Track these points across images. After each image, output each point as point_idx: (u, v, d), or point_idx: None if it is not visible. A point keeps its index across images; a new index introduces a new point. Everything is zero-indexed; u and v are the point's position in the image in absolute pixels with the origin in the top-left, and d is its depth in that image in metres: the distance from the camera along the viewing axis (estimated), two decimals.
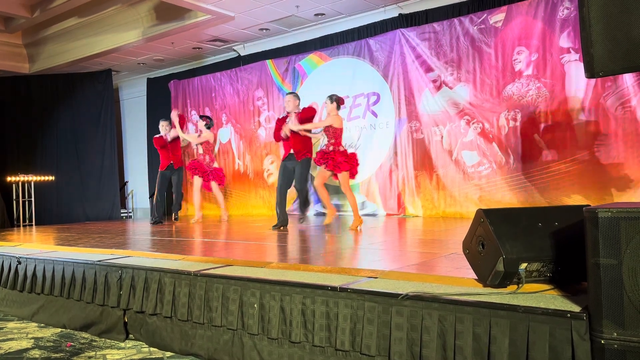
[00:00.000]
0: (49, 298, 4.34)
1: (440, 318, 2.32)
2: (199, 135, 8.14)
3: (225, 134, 10.18)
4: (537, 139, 6.67)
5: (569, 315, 2.03)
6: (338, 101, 5.90)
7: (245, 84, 9.82)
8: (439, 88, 7.47)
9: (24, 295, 4.60)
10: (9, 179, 9.40)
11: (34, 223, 9.39)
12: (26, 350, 3.61)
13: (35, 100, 10.57)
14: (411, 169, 7.76)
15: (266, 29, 8.97)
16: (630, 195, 5.95)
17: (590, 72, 2.06)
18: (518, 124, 6.82)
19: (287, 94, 6.61)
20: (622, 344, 1.89)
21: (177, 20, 8.20)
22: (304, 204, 6.50)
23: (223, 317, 3.13)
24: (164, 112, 10.11)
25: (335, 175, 5.83)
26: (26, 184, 9.54)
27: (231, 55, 10.25)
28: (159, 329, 3.50)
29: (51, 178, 9.84)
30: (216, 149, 9.77)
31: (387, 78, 8.02)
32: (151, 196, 10.14)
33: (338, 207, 8.52)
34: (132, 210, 12.06)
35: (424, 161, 7.64)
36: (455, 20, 7.29)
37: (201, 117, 8.25)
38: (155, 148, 8.42)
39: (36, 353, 3.52)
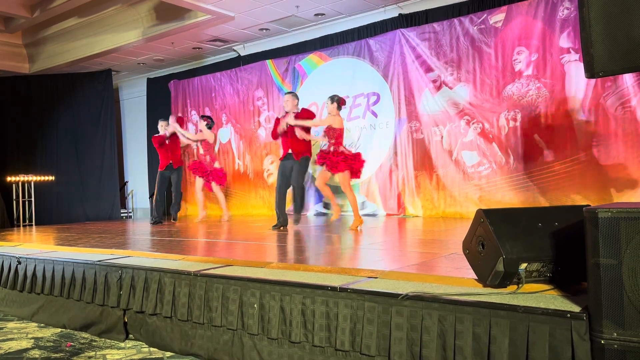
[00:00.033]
0: (49, 298, 4.34)
1: (440, 318, 2.32)
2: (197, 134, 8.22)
3: (225, 134, 10.18)
4: (537, 139, 6.68)
5: (569, 315, 2.03)
6: (339, 102, 5.89)
7: (245, 84, 9.82)
8: (439, 88, 7.47)
9: (24, 295, 4.60)
10: (9, 179, 9.40)
11: (34, 223, 9.39)
12: (26, 350, 3.61)
13: (35, 100, 10.57)
14: (411, 169, 7.76)
15: (266, 29, 8.97)
16: (630, 196, 5.95)
17: (590, 72, 2.06)
18: (518, 124, 6.82)
19: (285, 93, 6.59)
20: (622, 344, 1.89)
21: (177, 20, 8.20)
22: (299, 204, 6.32)
23: (223, 317, 3.13)
24: (164, 112, 10.12)
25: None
26: (26, 184, 9.55)
27: (231, 55, 10.25)
28: (159, 329, 3.50)
29: (51, 178, 9.85)
30: (216, 149, 9.76)
31: (387, 78, 8.02)
32: (151, 196, 10.14)
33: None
34: (132, 210, 12.06)
35: (424, 161, 7.64)
36: (455, 21, 7.29)
37: (202, 117, 8.29)
38: (155, 147, 8.42)
39: (36, 353, 3.52)
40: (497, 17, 6.98)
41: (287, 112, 6.17)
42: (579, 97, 6.35)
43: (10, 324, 4.39)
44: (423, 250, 4.02)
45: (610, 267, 1.92)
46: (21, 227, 8.90)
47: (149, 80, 11.52)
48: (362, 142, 8.24)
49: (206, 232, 6.42)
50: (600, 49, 2.01)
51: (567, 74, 6.45)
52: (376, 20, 8.22)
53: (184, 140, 8.42)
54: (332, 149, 5.81)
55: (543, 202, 6.54)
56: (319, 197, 8.88)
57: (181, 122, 8.36)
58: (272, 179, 9.30)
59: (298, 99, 6.24)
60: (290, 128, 6.14)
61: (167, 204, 8.74)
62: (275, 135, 6.41)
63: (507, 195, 6.88)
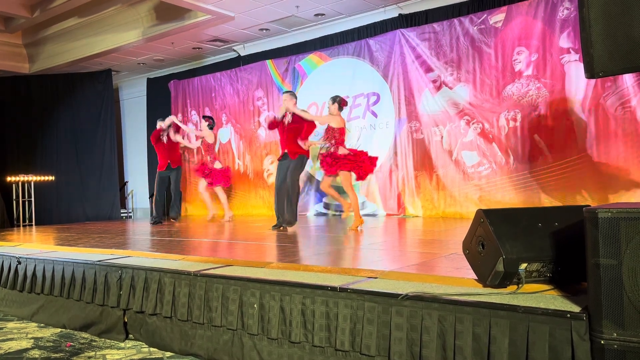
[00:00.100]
0: (49, 298, 4.34)
1: (440, 318, 2.32)
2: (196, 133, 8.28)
3: (225, 134, 10.18)
4: (537, 139, 6.68)
5: (568, 315, 2.03)
6: (340, 102, 5.89)
7: (245, 84, 9.82)
8: (438, 88, 7.47)
9: (23, 295, 4.60)
10: (9, 179, 9.40)
11: (33, 223, 9.39)
12: (26, 350, 3.61)
13: (35, 100, 10.57)
14: (411, 169, 7.76)
15: (266, 29, 8.97)
16: (630, 196, 5.95)
17: (590, 73, 2.06)
18: (518, 124, 6.82)
19: (283, 92, 6.56)
20: (622, 344, 1.89)
21: (177, 20, 8.20)
22: (288, 203, 6.02)
23: (223, 317, 3.13)
24: (164, 112, 10.13)
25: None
26: (26, 184, 9.54)
27: (231, 55, 10.25)
28: (159, 329, 3.50)
29: (51, 178, 9.84)
30: (216, 149, 9.77)
31: (387, 78, 8.02)
32: (151, 196, 10.14)
33: (338, 207, 8.53)
34: (132, 210, 12.06)
35: (424, 161, 7.64)
36: (455, 21, 7.29)
37: (204, 117, 8.33)
38: (153, 146, 8.43)
39: (36, 353, 3.52)
40: (497, 17, 6.98)
41: (286, 112, 6.15)
42: (579, 97, 6.35)
43: (10, 324, 4.39)
44: (423, 251, 4.02)
45: (610, 267, 1.92)
46: (21, 227, 8.90)
47: (149, 80, 11.52)
48: (362, 142, 8.24)
49: (206, 232, 6.42)
50: (600, 49, 2.01)
51: (567, 74, 6.45)
52: (376, 21, 8.22)
53: (181, 141, 8.43)
54: (332, 149, 5.81)
55: (543, 202, 6.54)
56: (319, 197, 8.88)
57: (176, 128, 8.39)
58: (272, 179, 9.29)
59: (296, 98, 6.22)
60: (288, 128, 6.12)
61: (167, 204, 8.74)
62: (272, 125, 6.30)
63: (507, 195, 6.88)
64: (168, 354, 3.43)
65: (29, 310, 4.49)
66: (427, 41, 7.55)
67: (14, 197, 9.50)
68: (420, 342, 2.36)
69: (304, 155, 6.09)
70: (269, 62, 9.45)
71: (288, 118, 6.11)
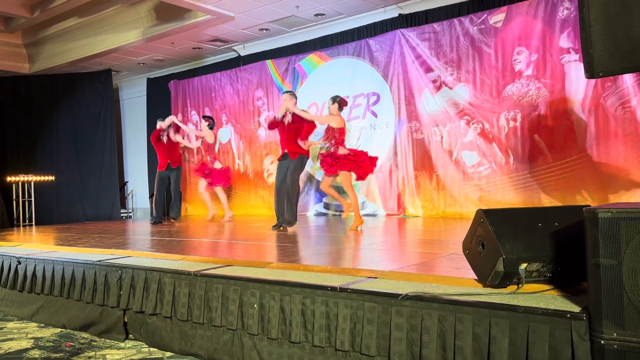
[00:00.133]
0: (49, 298, 4.34)
1: (440, 318, 2.32)
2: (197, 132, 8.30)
3: (225, 134, 10.18)
4: (537, 139, 6.68)
5: (568, 315, 2.03)
6: (340, 102, 5.90)
7: (245, 84, 9.82)
8: (438, 88, 7.47)
9: (23, 295, 4.60)
10: (9, 179, 9.40)
11: (33, 223, 9.39)
12: (26, 350, 3.61)
13: (35, 100, 10.57)
14: (411, 169, 7.76)
15: (266, 29, 8.97)
16: (630, 196, 5.95)
17: (590, 73, 2.06)
18: (518, 124, 6.82)
19: (283, 92, 6.56)
20: (622, 344, 1.89)
21: (177, 20, 8.20)
22: (288, 204, 6.01)
23: (223, 317, 3.13)
24: (164, 112, 10.13)
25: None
26: (26, 184, 9.54)
27: (231, 55, 10.25)
28: (159, 329, 3.50)
29: (51, 178, 9.84)
30: (216, 149, 9.77)
31: (387, 78, 8.02)
32: (151, 196, 10.14)
33: (338, 207, 8.53)
34: (132, 210, 12.06)
35: (423, 161, 7.64)
36: (455, 21, 7.29)
37: (204, 117, 8.33)
38: (153, 146, 8.43)
39: (36, 353, 3.52)
40: (497, 17, 6.98)
41: (286, 113, 6.15)
42: (579, 97, 6.35)
43: (10, 324, 4.39)
44: (423, 251, 4.02)
45: (610, 267, 1.92)
46: (21, 227, 8.90)
47: (149, 80, 11.52)
48: (362, 142, 8.24)
49: (206, 232, 6.42)
50: (600, 49, 2.01)
51: (567, 74, 6.45)
52: (376, 21, 8.22)
53: (181, 141, 8.44)
54: (331, 150, 5.82)
55: (543, 202, 6.54)
56: (319, 197, 8.88)
57: (176, 128, 8.40)
58: (272, 179, 9.29)
59: (296, 98, 6.22)
60: (288, 128, 6.11)
61: (167, 204, 8.74)
62: (272, 125, 6.28)
63: (507, 195, 6.88)
64: (168, 354, 3.43)
65: (29, 310, 4.49)
66: (427, 41, 7.55)
67: (14, 197, 9.50)
68: (420, 342, 2.36)
69: (303, 155, 6.08)
70: (269, 62, 9.45)
71: (288, 118, 6.11)
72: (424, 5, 7.76)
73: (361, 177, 5.88)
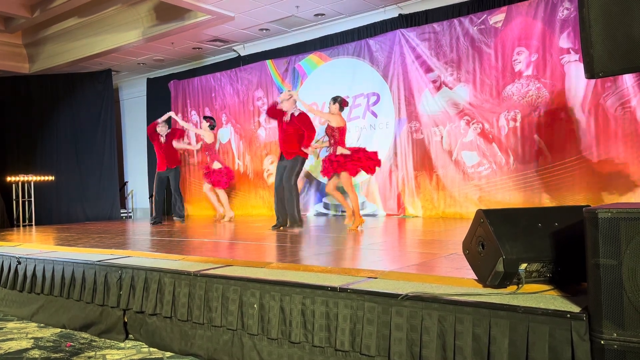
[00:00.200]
0: (49, 298, 4.34)
1: (440, 318, 2.32)
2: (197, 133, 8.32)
3: (225, 134, 10.18)
4: (537, 139, 6.68)
5: (568, 315, 2.03)
6: (341, 102, 5.91)
7: (245, 84, 9.82)
8: (438, 88, 7.47)
9: (23, 295, 4.60)
10: (9, 179, 9.40)
11: (33, 223, 9.39)
12: (26, 350, 3.61)
13: (35, 100, 10.56)
14: (411, 169, 7.76)
15: (266, 29, 8.97)
16: (630, 196, 5.95)
17: (590, 73, 2.06)
18: (518, 124, 6.82)
19: (282, 92, 6.55)
20: (621, 344, 1.89)
21: (177, 20, 8.20)
22: (289, 205, 5.98)
23: (223, 317, 3.13)
24: (164, 112, 10.08)
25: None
26: (26, 184, 9.54)
27: (231, 55, 10.25)
28: (159, 329, 3.50)
29: (51, 178, 9.84)
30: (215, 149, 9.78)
31: (387, 78, 8.02)
32: (151, 196, 10.14)
33: (338, 207, 8.53)
34: (132, 211, 12.06)
35: (423, 161, 7.64)
36: (455, 21, 7.29)
37: (205, 117, 8.33)
38: (153, 146, 8.42)
39: (36, 353, 3.52)
40: (497, 18, 6.98)
41: (284, 112, 6.14)
42: (579, 97, 6.35)
43: (10, 324, 4.39)
44: (423, 251, 4.02)
45: (610, 267, 1.92)
46: (21, 227, 8.90)
47: (149, 80, 11.52)
48: (362, 143, 8.22)
49: (206, 232, 6.42)
50: (600, 49, 2.01)
51: (567, 74, 6.45)
52: (376, 21, 8.22)
53: (184, 147, 8.47)
54: (331, 150, 5.84)
55: (543, 202, 6.54)
56: (319, 197, 8.88)
57: (179, 135, 8.40)
58: (272, 179, 9.29)
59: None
60: (285, 128, 6.09)
61: (167, 204, 8.74)
62: (271, 112, 6.23)
63: (507, 195, 6.88)
64: (168, 354, 3.43)
65: (29, 310, 4.49)
66: (427, 41, 7.55)
67: (14, 197, 9.50)
68: (420, 342, 2.36)
69: (299, 156, 6.05)
70: (269, 62, 9.45)
71: (287, 117, 6.10)
72: (424, 6, 7.76)
73: (366, 171, 5.89)
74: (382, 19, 8.16)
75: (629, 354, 1.88)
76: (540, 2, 6.60)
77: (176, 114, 8.76)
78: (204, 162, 8.37)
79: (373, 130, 8.24)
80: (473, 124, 7.18)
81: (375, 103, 8.23)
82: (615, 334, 1.91)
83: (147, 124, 11.30)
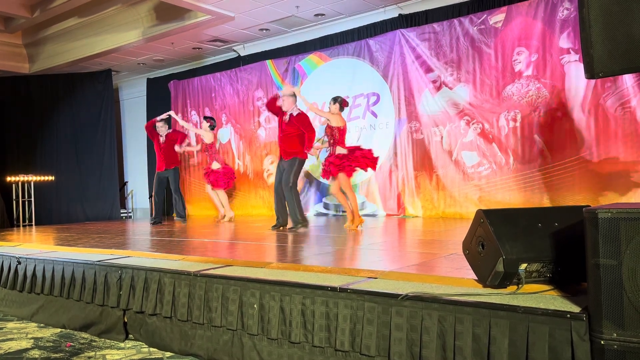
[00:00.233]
0: (49, 298, 4.33)
1: (440, 318, 2.32)
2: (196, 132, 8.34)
3: (225, 134, 10.18)
4: (537, 139, 6.68)
5: (568, 315, 2.03)
6: (341, 102, 5.92)
7: (245, 84, 9.82)
8: (438, 88, 7.47)
9: (23, 295, 4.60)
10: (9, 179, 9.40)
11: (33, 223, 9.39)
12: (26, 350, 3.61)
13: (35, 100, 10.57)
14: (411, 169, 7.76)
15: (266, 29, 8.97)
16: (630, 196, 5.95)
17: (590, 73, 2.06)
18: (518, 124, 6.82)
19: (285, 87, 6.53)
20: (621, 344, 1.89)
21: (177, 20, 8.20)
22: (290, 205, 5.98)
23: (223, 318, 3.13)
24: (164, 113, 10.11)
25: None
26: (26, 184, 9.54)
27: (231, 55, 10.25)
28: (159, 329, 3.50)
29: (51, 178, 9.84)
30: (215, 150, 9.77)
31: (387, 78, 8.02)
32: (151, 196, 10.14)
33: (338, 207, 8.53)
34: (132, 211, 12.06)
35: (423, 161, 7.64)
36: (455, 21, 7.29)
37: (205, 118, 8.33)
38: (152, 141, 8.42)
39: (36, 353, 3.52)
40: (497, 18, 6.98)
41: (284, 112, 6.13)
42: (579, 97, 6.35)
43: (10, 324, 4.39)
44: (423, 251, 4.02)
45: (610, 267, 1.92)
46: (21, 227, 8.90)
47: (149, 80, 11.53)
48: (362, 143, 8.21)
49: (206, 232, 6.42)
50: (600, 49, 2.01)
51: (567, 74, 6.45)
52: (376, 21, 8.22)
53: (185, 149, 8.49)
54: (330, 150, 5.86)
55: (543, 203, 6.54)
56: (319, 197, 8.88)
57: (181, 139, 8.40)
58: (272, 179, 9.29)
59: (295, 97, 6.19)
60: (284, 128, 6.08)
61: (166, 204, 8.73)
62: (270, 104, 6.20)
63: (507, 195, 6.88)
64: (168, 354, 3.43)
65: (29, 310, 4.49)
66: (427, 41, 7.55)
67: (14, 197, 9.50)
68: (420, 342, 2.36)
69: (296, 158, 6.00)
70: (269, 62, 9.45)
71: (286, 117, 6.09)
72: (424, 6, 7.76)
73: (362, 168, 5.90)
74: (382, 19, 8.16)
75: (629, 354, 1.88)
76: (540, 2, 6.60)
77: (176, 114, 8.76)
78: (205, 163, 8.36)
79: (373, 130, 8.24)
80: (473, 124, 7.18)
81: (375, 103, 8.23)
82: (615, 334, 1.90)
83: None
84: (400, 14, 7.91)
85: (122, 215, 11.28)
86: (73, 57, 9.54)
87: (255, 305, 2.98)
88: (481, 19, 7.09)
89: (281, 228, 6.13)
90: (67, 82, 10.72)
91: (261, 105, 9.62)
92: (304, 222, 5.97)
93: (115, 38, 8.94)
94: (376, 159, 5.97)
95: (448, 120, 7.39)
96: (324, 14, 8.34)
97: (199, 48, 9.86)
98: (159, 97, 11.18)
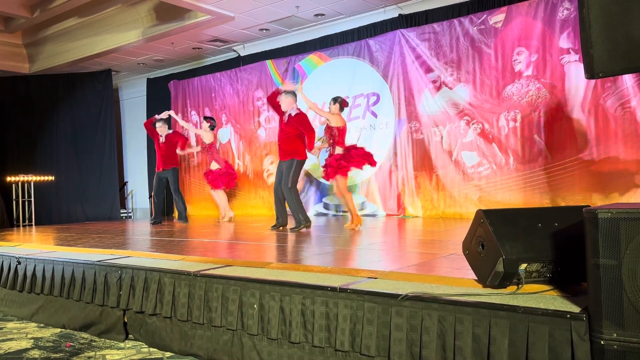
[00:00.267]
0: (49, 298, 4.33)
1: (439, 319, 2.32)
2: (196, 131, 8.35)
3: (225, 134, 10.18)
4: (537, 139, 6.68)
5: (568, 315, 2.03)
6: (341, 103, 5.92)
7: (245, 84, 9.82)
8: (438, 88, 7.47)
9: (23, 295, 4.60)
10: (9, 179, 9.40)
11: (33, 223, 9.39)
12: (26, 350, 3.60)
13: (35, 100, 10.57)
14: (411, 169, 7.76)
15: (266, 29, 8.97)
16: (630, 196, 5.95)
17: (590, 73, 2.06)
18: (518, 124, 6.82)
19: (286, 83, 6.52)
20: (621, 344, 1.89)
21: (177, 20, 8.20)
22: (290, 206, 5.96)
23: (223, 318, 3.13)
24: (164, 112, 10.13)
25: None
26: (26, 184, 9.54)
27: (231, 55, 10.25)
28: (159, 329, 3.50)
29: (51, 178, 9.84)
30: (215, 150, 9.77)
31: (387, 78, 8.02)
32: (151, 196, 10.14)
33: (338, 208, 8.53)
34: (132, 211, 12.06)
35: (423, 162, 7.64)
36: (455, 21, 7.29)
37: (205, 118, 8.32)
38: (152, 139, 8.43)
39: (36, 353, 3.52)
40: (497, 18, 6.98)
41: (283, 112, 6.13)
42: (579, 97, 6.35)
43: (10, 324, 4.39)
44: (423, 251, 4.02)
45: (610, 267, 1.92)
46: (21, 227, 8.90)
47: (148, 80, 11.53)
48: (362, 143, 8.21)
49: (206, 232, 6.42)
50: (600, 49, 2.01)
51: (567, 74, 6.45)
52: (376, 21, 8.22)
53: (186, 151, 8.49)
54: (330, 150, 5.87)
55: (543, 203, 6.54)
56: (319, 197, 8.88)
57: (183, 142, 8.40)
58: (272, 179, 9.29)
59: (295, 96, 6.18)
60: (283, 127, 6.08)
61: (166, 204, 8.73)
62: (271, 98, 6.17)
63: (507, 195, 6.88)
64: (168, 354, 3.43)
65: (29, 310, 4.49)
66: (427, 41, 7.55)
67: (14, 197, 9.50)
68: (420, 342, 2.36)
69: (295, 159, 5.96)
70: (269, 62, 9.45)
71: (285, 117, 6.09)
72: (424, 6, 7.76)
73: (356, 167, 5.91)
74: (382, 19, 8.16)
75: (629, 354, 1.88)
76: (540, 2, 6.60)
77: (176, 114, 8.75)
78: (205, 163, 8.36)
79: (373, 130, 8.24)
80: (473, 124, 7.18)
81: (375, 103, 8.23)
82: (615, 334, 1.91)
83: None
84: (400, 14, 7.91)
85: (122, 215, 11.28)
86: (73, 57, 9.54)
87: (255, 305, 2.98)
88: (481, 19, 7.09)
89: (281, 228, 6.13)
90: (67, 82, 10.72)
91: (261, 105, 9.63)
92: (306, 222, 5.96)
93: (115, 38, 8.94)
94: (370, 154, 5.97)
95: (448, 121, 7.39)
96: (324, 14, 8.34)
97: (199, 48, 9.86)
98: (159, 97, 11.18)
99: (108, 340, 3.78)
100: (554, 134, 6.54)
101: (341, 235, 5.52)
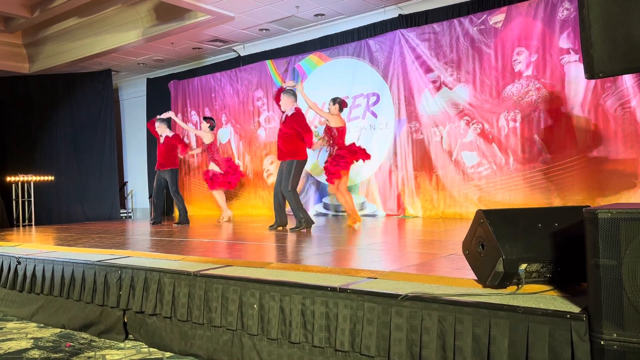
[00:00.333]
0: (49, 298, 4.33)
1: (439, 319, 2.32)
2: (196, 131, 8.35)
3: (225, 134, 10.18)
4: (537, 139, 6.68)
5: (568, 316, 2.03)
6: (341, 103, 5.94)
7: (245, 84, 9.82)
8: (438, 89, 7.47)
9: (23, 295, 4.60)
10: (8, 179, 9.39)
11: (33, 223, 9.38)
12: (25, 350, 3.60)
13: (35, 100, 10.56)
14: (411, 169, 7.76)
15: (266, 30, 8.97)
16: (630, 196, 5.95)
17: (590, 73, 2.06)
18: (518, 124, 6.82)
19: (287, 81, 6.52)
20: (621, 344, 1.89)
21: (177, 20, 8.20)
22: (291, 207, 5.96)
23: (222, 318, 3.13)
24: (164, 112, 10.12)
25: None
26: (26, 184, 9.54)
27: (231, 55, 10.25)
28: (159, 329, 3.50)
29: (51, 178, 9.84)
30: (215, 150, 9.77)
31: (387, 78, 8.02)
32: (151, 196, 10.14)
33: (337, 208, 8.53)
34: (132, 211, 12.06)
35: (423, 162, 7.64)
36: (455, 21, 7.29)
37: (205, 118, 8.30)
38: (154, 137, 8.42)
39: (35, 353, 3.52)
40: (497, 18, 6.98)
41: (283, 111, 6.13)
42: (579, 97, 6.35)
43: (10, 324, 4.39)
44: (423, 251, 4.02)
45: (610, 267, 1.92)
46: (21, 227, 8.89)
47: (148, 80, 11.52)
48: (362, 143, 8.22)
49: (206, 232, 6.42)
50: (600, 49, 2.01)
51: (567, 74, 6.45)
52: (376, 21, 8.22)
53: (189, 153, 8.49)
54: (329, 150, 5.89)
55: (543, 203, 6.54)
56: (319, 197, 8.88)
57: (184, 148, 8.38)
58: (272, 179, 9.30)
59: (295, 96, 6.16)
60: (282, 127, 6.07)
61: (166, 204, 8.72)
62: (278, 97, 6.16)
63: (507, 195, 6.88)
64: (168, 354, 3.43)
65: (29, 310, 4.49)
66: (427, 41, 7.55)
67: (14, 197, 9.50)
68: (420, 342, 2.36)
69: (293, 160, 5.92)
70: (268, 62, 9.45)
71: (282, 117, 6.08)
72: (424, 6, 7.76)
73: (350, 162, 5.98)
74: (382, 19, 8.16)
75: (629, 354, 1.88)
76: (540, 3, 6.60)
77: (176, 114, 8.74)
78: (205, 163, 8.36)
79: (373, 130, 8.24)
80: (473, 124, 7.18)
81: (375, 103, 8.23)
82: (615, 334, 1.91)
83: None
84: (400, 14, 7.91)
85: (122, 215, 11.28)
86: (73, 57, 9.54)
87: (255, 306, 2.98)
88: (481, 19, 7.09)
89: (279, 228, 6.13)
90: (66, 82, 10.72)
91: (261, 105, 9.63)
92: (307, 223, 5.95)
93: (115, 38, 8.94)
94: (360, 148, 5.99)
95: (448, 121, 7.39)
96: (324, 14, 8.34)
97: (199, 48, 9.86)
98: (159, 97, 11.18)
99: (108, 340, 3.78)
100: (553, 134, 6.55)
101: (341, 235, 5.52)
